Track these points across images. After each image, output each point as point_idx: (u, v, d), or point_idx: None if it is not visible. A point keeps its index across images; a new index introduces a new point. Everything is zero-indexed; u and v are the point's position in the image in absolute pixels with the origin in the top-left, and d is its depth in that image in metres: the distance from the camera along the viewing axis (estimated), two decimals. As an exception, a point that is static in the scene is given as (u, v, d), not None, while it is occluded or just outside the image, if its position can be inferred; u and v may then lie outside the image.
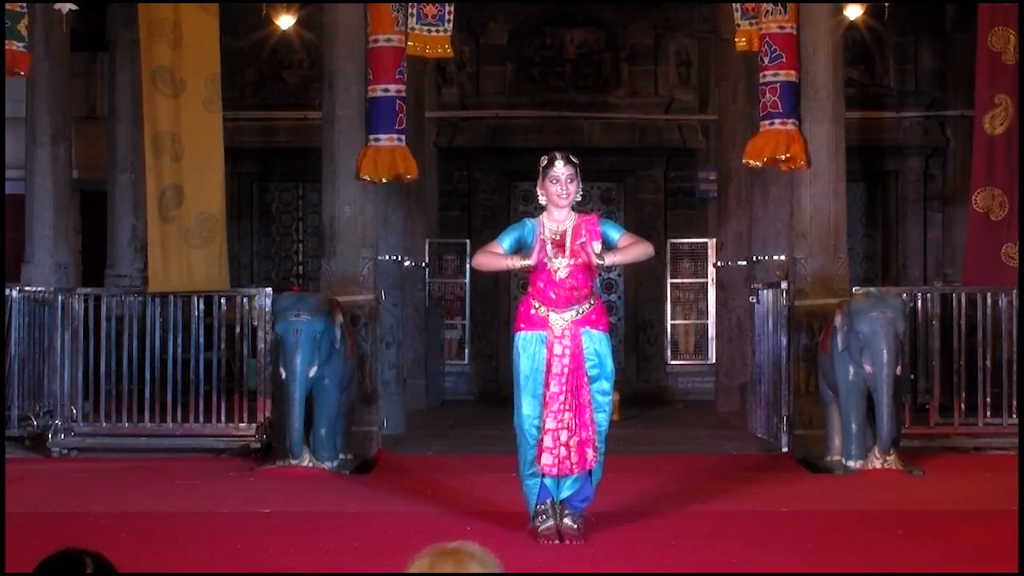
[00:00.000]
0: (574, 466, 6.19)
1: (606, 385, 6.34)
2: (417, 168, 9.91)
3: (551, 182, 6.29)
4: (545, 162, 6.36)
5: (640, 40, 15.90)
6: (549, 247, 6.26)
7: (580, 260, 6.20)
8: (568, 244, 6.24)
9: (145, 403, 9.73)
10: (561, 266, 6.23)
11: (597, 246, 6.19)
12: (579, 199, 6.40)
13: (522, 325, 6.35)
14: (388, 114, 9.45)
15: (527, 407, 6.28)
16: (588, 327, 6.30)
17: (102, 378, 9.89)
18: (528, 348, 6.30)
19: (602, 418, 6.31)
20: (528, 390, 6.28)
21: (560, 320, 6.26)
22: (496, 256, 6.35)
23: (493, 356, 15.58)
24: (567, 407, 6.21)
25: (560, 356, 6.24)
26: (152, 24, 9.85)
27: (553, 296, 6.26)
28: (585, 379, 6.26)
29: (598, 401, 6.30)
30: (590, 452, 6.21)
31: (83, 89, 15.26)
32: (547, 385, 6.24)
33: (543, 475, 6.25)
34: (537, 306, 6.31)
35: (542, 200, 6.37)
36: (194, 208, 9.81)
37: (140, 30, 10.02)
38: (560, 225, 6.30)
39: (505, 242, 6.37)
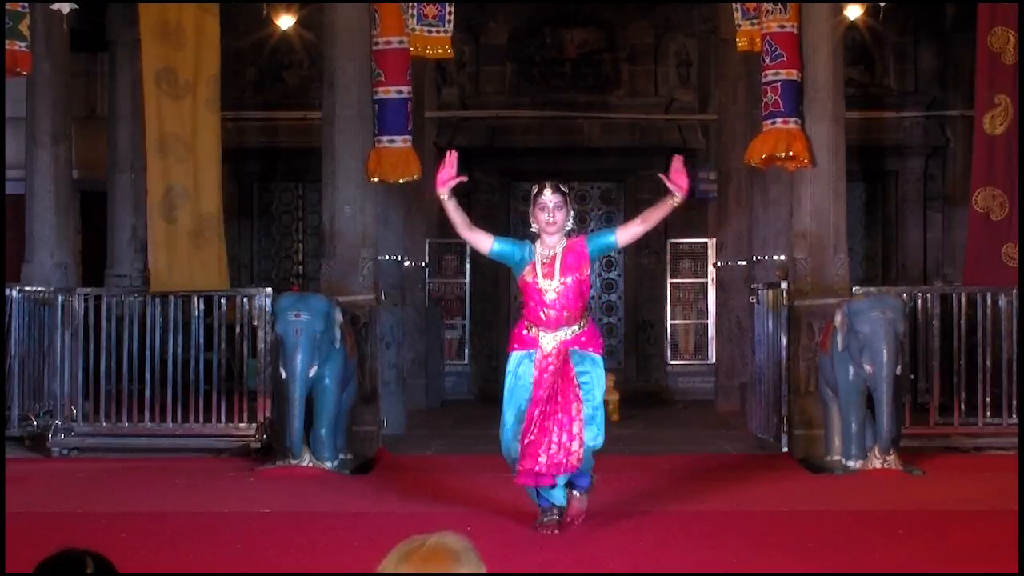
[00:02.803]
0: (564, 464, 6.29)
1: (596, 400, 6.41)
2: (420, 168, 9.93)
3: (540, 209, 6.49)
4: (535, 190, 6.54)
5: (640, 40, 15.90)
6: (540, 268, 6.42)
7: (570, 280, 6.38)
8: (557, 267, 6.41)
9: (145, 403, 9.73)
10: (550, 288, 6.41)
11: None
12: (569, 227, 6.55)
13: (515, 345, 6.58)
14: (399, 116, 9.49)
15: (509, 419, 6.49)
16: (577, 348, 6.45)
17: (102, 378, 9.88)
18: (517, 367, 6.51)
19: (589, 436, 6.34)
20: (512, 404, 6.48)
21: (550, 340, 6.45)
22: (463, 216, 6.49)
23: (493, 356, 15.56)
24: (551, 413, 6.33)
25: (545, 371, 6.41)
26: (153, 25, 9.85)
27: (543, 316, 6.45)
28: (571, 388, 6.36)
29: (586, 414, 6.36)
30: (576, 451, 6.30)
31: (83, 89, 15.25)
32: (534, 402, 6.38)
33: (528, 486, 6.46)
34: (529, 326, 6.53)
35: (534, 228, 6.54)
36: (196, 208, 9.83)
37: (140, 31, 10.02)
38: (551, 250, 6.48)
39: (497, 243, 6.53)
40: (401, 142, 9.51)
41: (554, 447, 6.26)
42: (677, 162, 6.41)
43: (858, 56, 15.40)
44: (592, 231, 6.58)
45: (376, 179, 9.55)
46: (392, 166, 9.49)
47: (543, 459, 6.25)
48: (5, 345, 9.85)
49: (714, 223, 14.90)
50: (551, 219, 6.43)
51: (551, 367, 6.40)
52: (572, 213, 6.56)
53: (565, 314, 6.41)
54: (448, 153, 6.45)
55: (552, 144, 15.48)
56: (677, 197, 6.38)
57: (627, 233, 6.59)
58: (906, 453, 8.80)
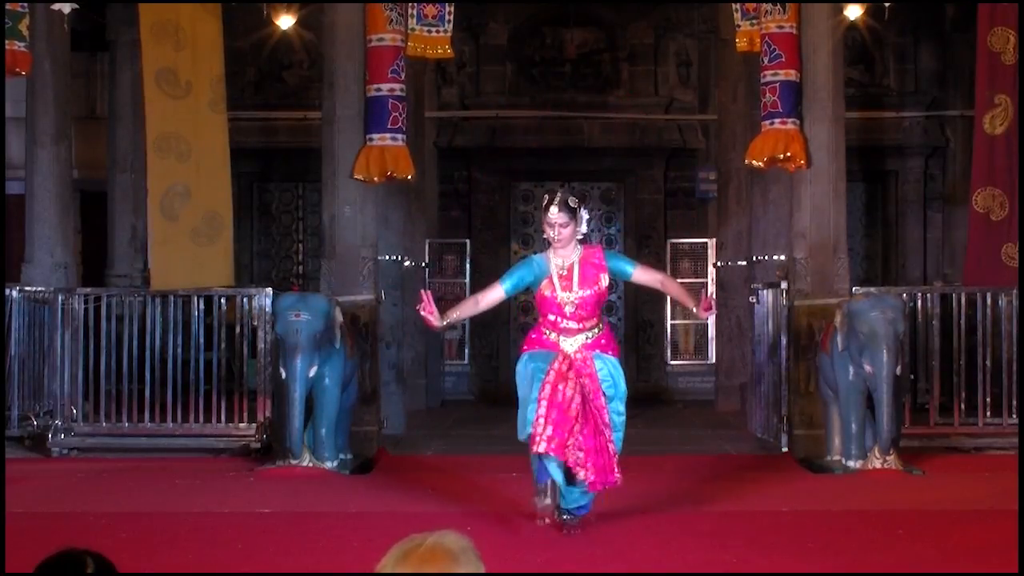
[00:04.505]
0: (589, 474, 6.19)
1: (620, 407, 6.47)
2: (414, 168, 9.87)
3: (546, 225, 6.50)
4: (545, 202, 6.52)
5: (640, 40, 15.90)
6: (556, 280, 6.41)
7: (588, 293, 6.38)
8: (576, 278, 6.41)
9: (145, 403, 9.73)
10: (568, 300, 6.41)
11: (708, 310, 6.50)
12: (580, 238, 6.54)
13: (535, 348, 6.50)
14: (381, 113, 9.44)
15: (527, 393, 6.34)
16: (599, 351, 6.47)
17: (102, 378, 9.87)
18: (535, 359, 6.42)
19: (617, 437, 6.41)
20: (528, 385, 6.36)
21: (571, 344, 6.44)
22: (465, 303, 6.75)
23: (493, 356, 15.58)
24: (586, 423, 6.21)
25: (577, 371, 6.32)
26: (154, 26, 9.87)
27: (563, 326, 6.44)
28: (604, 400, 6.38)
29: (613, 421, 6.40)
30: (610, 474, 6.26)
31: (83, 89, 15.24)
32: (554, 384, 6.25)
33: (544, 455, 6.24)
34: (548, 332, 6.50)
35: (545, 237, 6.55)
36: (201, 207, 9.85)
37: (141, 31, 10.02)
38: (566, 260, 6.47)
39: (507, 284, 6.53)
40: (379, 140, 9.43)
41: (598, 457, 6.22)
42: (709, 300, 6.58)
43: (858, 56, 15.40)
44: (612, 249, 6.54)
45: (359, 177, 9.45)
46: (373, 164, 9.38)
47: (591, 469, 6.18)
48: (5, 345, 9.85)
49: (714, 223, 14.89)
50: (557, 236, 6.45)
51: (583, 370, 6.33)
52: (587, 218, 6.56)
53: (584, 322, 6.45)
54: (423, 293, 6.41)
55: (552, 144, 15.47)
56: (698, 312, 6.56)
57: (644, 277, 6.66)
58: (906, 453, 8.81)
